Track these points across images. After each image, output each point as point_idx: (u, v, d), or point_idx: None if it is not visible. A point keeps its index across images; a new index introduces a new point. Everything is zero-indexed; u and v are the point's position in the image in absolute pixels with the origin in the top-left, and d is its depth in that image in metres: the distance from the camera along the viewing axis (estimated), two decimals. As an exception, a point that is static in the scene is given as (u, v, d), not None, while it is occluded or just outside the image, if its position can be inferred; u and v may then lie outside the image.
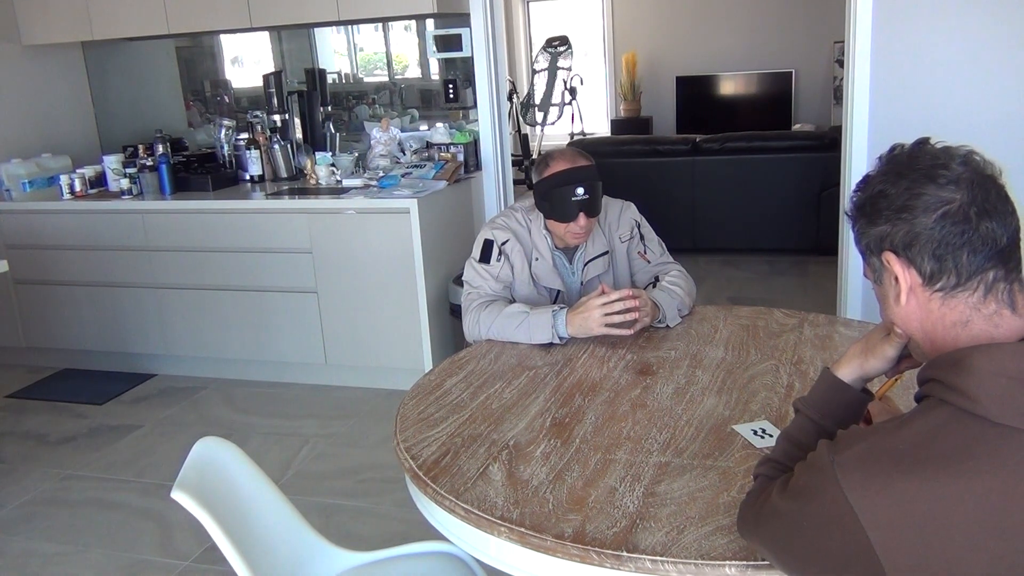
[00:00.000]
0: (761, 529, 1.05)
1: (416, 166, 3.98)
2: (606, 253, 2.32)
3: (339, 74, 4.82)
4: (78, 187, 4.13)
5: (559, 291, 2.28)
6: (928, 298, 0.99)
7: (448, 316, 3.77)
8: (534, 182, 2.23)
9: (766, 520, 1.04)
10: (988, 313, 0.96)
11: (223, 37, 4.81)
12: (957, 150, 1.00)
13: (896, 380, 1.20)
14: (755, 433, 1.35)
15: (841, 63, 5.41)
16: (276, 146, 4.26)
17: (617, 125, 8.37)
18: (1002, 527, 0.84)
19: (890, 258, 1.00)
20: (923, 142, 1.02)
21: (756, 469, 1.18)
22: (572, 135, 7.86)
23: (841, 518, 0.89)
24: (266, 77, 4.35)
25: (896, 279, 1.01)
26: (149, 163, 4.05)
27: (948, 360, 0.93)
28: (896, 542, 0.86)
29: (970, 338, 0.96)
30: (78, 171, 4.21)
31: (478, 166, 4.13)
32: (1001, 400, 0.87)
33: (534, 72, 7.81)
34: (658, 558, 1.20)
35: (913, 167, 0.99)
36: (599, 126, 8.67)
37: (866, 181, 1.04)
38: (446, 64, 4.33)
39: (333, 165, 4.11)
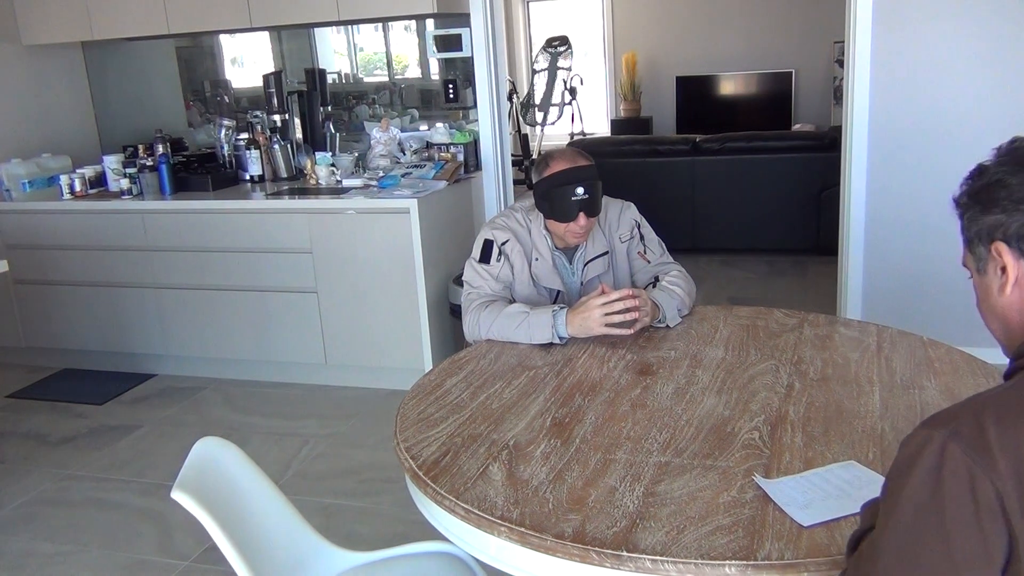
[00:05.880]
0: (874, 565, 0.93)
1: (416, 166, 3.98)
2: (606, 253, 2.32)
3: (339, 74, 4.82)
4: (78, 187, 4.13)
5: (559, 291, 2.28)
6: None
7: (448, 316, 3.77)
8: (534, 182, 2.23)
9: (879, 554, 0.92)
10: None
11: (223, 37, 4.81)
12: None
13: None
14: None
15: (841, 63, 5.41)
16: (276, 146, 4.26)
17: (617, 125, 8.37)
18: None
19: (1001, 248, 1.00)
20: None
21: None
22: (572, 135, 7.86)
23: (974, 488, 0.85)
24: (266, 77, 4.35)
25: (1003, 269, 1.00)
26: (149, 163, 4.05)
27: None
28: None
29: None
30: (78, 171, 4.21)
31: (478, 166, 4.13)
32: None
33: (534, 72, 7.81)
34: (658, 558, 1.20)
35: None
36: (599, 126, 8.67)
37: (981, 170, 1.03)
38: (446, 64, 4.33)
39: (333, 165, 4.10)
